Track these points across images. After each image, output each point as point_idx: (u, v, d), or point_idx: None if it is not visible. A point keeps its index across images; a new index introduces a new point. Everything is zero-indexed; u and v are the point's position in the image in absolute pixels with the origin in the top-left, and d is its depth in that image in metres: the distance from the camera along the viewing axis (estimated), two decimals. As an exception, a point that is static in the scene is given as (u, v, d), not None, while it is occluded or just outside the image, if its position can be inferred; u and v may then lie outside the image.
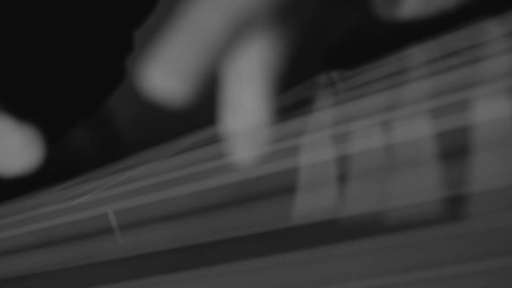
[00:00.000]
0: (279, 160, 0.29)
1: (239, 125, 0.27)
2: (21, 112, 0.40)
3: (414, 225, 0.26)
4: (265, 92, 0.28)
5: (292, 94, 0.33)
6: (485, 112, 0.25)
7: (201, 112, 0.32)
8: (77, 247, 0.33)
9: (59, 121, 0.44)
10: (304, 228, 0.28)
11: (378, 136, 0.27)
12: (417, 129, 0.27)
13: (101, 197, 0.34)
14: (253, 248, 0.28)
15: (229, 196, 0.29)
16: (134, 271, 0.31)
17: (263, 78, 0.28)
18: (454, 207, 0.25)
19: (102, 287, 0.31)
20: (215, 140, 0.31)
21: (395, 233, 0.26)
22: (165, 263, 0.30)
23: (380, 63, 0.31)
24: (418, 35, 0.31)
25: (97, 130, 0.55)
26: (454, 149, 0.26)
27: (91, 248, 0.33)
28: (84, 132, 0.54)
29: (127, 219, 0.32)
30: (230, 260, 0.28)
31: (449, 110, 0.26)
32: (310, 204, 0.28)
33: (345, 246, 0.27)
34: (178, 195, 0.31)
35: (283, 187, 0.29)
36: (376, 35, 0.34)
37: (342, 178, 0.28)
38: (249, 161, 0.28)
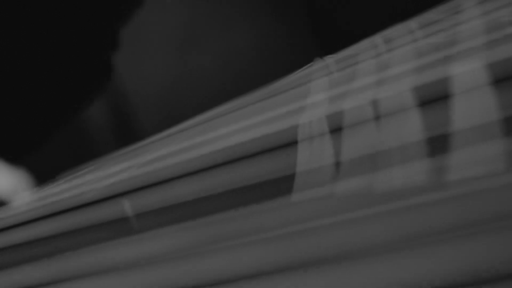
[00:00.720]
0: (284, 120, 0.33)
1: None
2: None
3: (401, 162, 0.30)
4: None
5: (290, 76, 0.37)
6: (461, 65, 0.30)
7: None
8: (83, 215, 0.36)
9: (49, 120, 0.46)
10: (307, 173, 0.32)
11: (371, 92, 0.32)
12: (403, 84, 0.31)
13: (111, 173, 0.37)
14: (261, 194, 0.32)
15: (235, 154, 0.33)
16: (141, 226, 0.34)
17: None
18: (437, 144, 0.29)
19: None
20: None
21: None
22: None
23: (368, 39, 0.36)
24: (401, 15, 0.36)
25: (113, 112, 0.56)
26: (436, 97, 0.30)
27: (98, 214, 0.36)
28: (100, 115, 0.56)
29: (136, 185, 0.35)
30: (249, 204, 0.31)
31: (431, 65, 0.31)
32: (312, 153, 0.32)
33: (341, 185, 0.30)
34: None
35: (289, 141, 0.32)
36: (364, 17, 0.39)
37: (338, 129, 0.32)
38: None
